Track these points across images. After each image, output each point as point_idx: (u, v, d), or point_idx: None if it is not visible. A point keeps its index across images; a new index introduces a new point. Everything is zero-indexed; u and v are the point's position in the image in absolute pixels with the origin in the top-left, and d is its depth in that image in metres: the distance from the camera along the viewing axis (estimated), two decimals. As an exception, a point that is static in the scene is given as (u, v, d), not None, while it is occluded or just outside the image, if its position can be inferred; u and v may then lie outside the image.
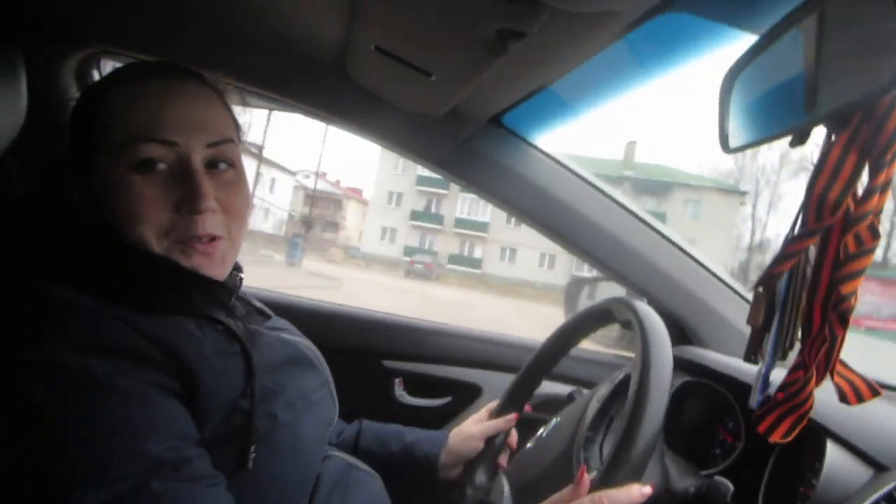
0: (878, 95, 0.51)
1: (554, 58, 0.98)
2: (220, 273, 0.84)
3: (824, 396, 1.00)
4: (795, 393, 0.68)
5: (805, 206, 0.62)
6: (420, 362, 1.60)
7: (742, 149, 0.69)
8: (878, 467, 0.88)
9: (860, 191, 0.60)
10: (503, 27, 0.83)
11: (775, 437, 0.70)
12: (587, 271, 1.64)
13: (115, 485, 0.61)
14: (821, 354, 0.66)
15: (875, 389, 0.70)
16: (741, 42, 0.78)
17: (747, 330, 1.40)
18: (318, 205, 40.00)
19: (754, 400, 0.75)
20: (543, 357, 1.13)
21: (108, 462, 0.63)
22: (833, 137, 0.61)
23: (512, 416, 1.14)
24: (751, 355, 0.72)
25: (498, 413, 1.15)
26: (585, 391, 1.22)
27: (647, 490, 0.75)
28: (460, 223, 33.50)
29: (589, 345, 1.61)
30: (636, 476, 0.75)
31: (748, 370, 1.17)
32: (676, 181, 30.91)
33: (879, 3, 0.51)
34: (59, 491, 0.61)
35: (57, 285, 0.73)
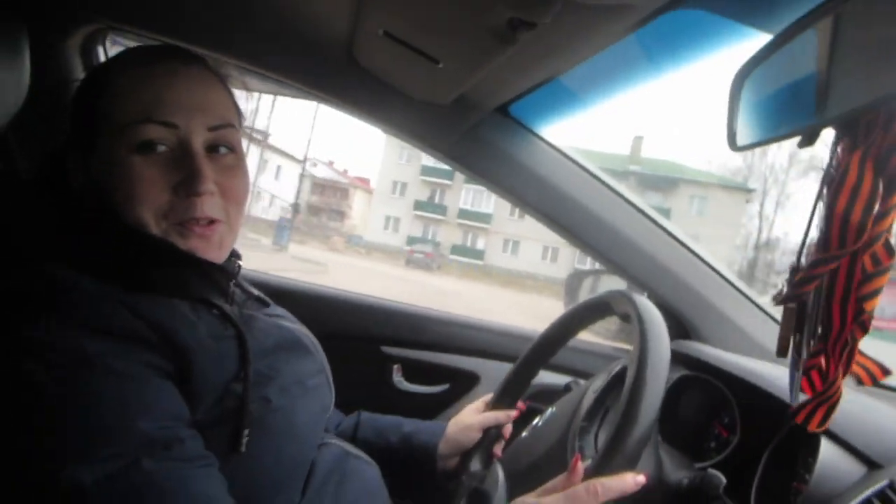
0: (889, 100, 0.51)
1: (564, 49, 0.97)
2: (217, 257, 0.84)
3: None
4: (826, 389, 0.69)
5: (827, 227, 0.62)
6: (419, 349, 1.61)
7: (749, 147, 0.69)
8: (871, 465, 0.89)
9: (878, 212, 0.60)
10: (514, 16, 0.82)
11: (812, 427, 0.72)
12: (590, 265, 1.64)
13: (107, 462, 0.62)
14: (844, 355, 0.67)
15: (887, 370, 0.71)
16: (754, 40, 0.78)
17: (746, 326, 1.42)
18: (324, 193, 40.02)
19: (795, 399, 0.77)
20: (541, 348, 1.14)
21: (100, 440, 0.63)
22: (842, 144, 0.61)
23: (513, 412, 1.14)
24: (783, 352, 0.74)
25: (495, 402, 1.16)
26: (582, 382, 1.23)
27: (641, 479, 0.76)
28: (464, 214, 33.48)
29: (589, 336, 1.62)
30: (630, 465, 0.76)
31: (745, 366, 1.18)
32: (682, 177, 30.80)
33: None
34: (51, 468, 0.61)
35: (54, 265, 0.74)
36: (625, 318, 0.93)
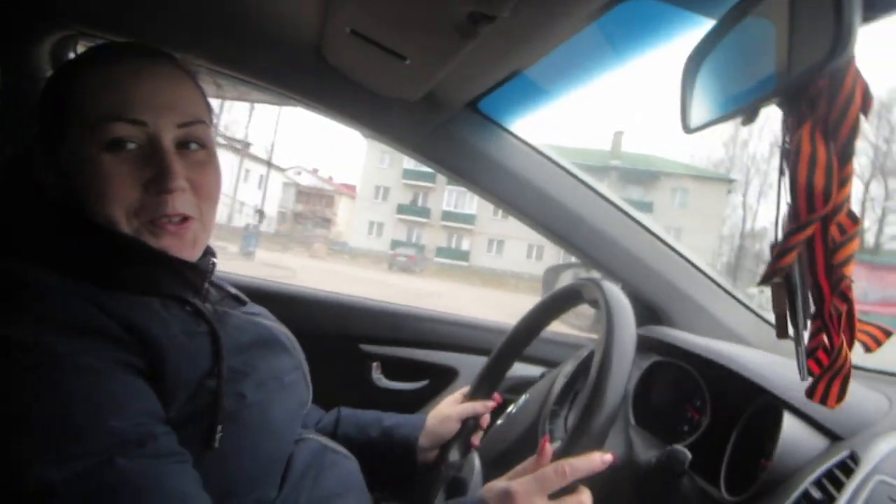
0: (816, 70, 0.53)
1: (526, 42, 0.99)
2: (191, 255, 0.84)
3: (780, 369, 1.04)
4: (832, 363, 0.70)
5: (794, 198, 0.63)
6: (397, 346, 1.62)
7: (701, 128, 0.71)
8: (833, 437, 0.92)
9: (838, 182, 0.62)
10: (474, 10, 0.84)
11: (832, 403, 0.72)
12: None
13: (77, 461, 0.62)
14: (843, 323, 0.68)
15: (888, 331, 0.72)
16: (705, 27, 0.80)
17: (717, 311, 1.45)
18: (310, 201, 39.81)
19: (804, 373, 0.78)
20: (515, 339, 1.15)
21: (70, 439, 0.63)
22: (790, 120, 0.63)
23: (490, 402, 1.16)
24: (783, 332, 0.75)
25: (472, 394, 1.18)
26: None
27: (608, 457, 0.78)
28: (447, 216, 33.46)
29: (567, 329, 1.64)
30: (598, 445, 0.77)
31: (714, 349, 1.20)
32: (663, 170, 31.04)
33: None
34: (20, 467, 0.61)
35: (23, 263, 0.73)
36: (594, 304, 0.95)
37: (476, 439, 1.16)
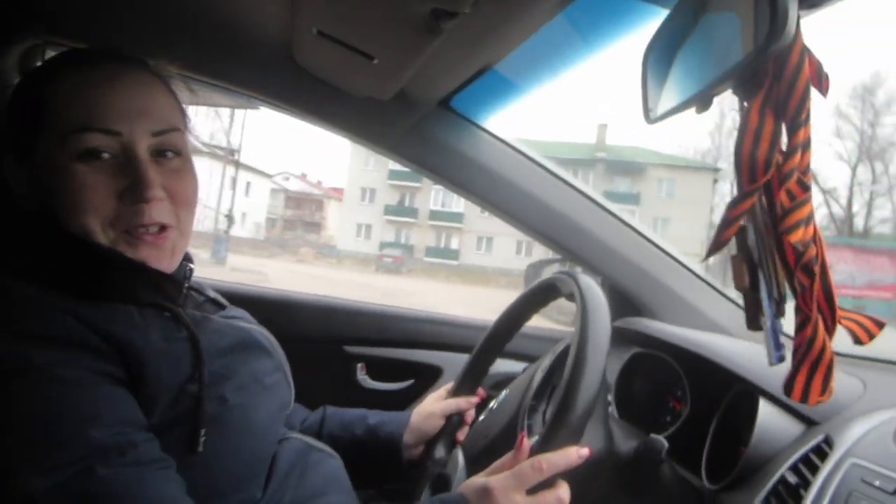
0: (758, 55, 0.54)
1: (493, 36, 0.99)
2: (169, 265, 0.84)
3: (756, 357, 1.04)
4: (807, 349, 0.68)
5: (738, 169, 0.64)
6: (381, 346, 1.61)
7: (662, 118, 0.72)
8: (809, 422, 0.93)
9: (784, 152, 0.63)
10: (436, 7, 0.84)
11: (813, 400, 0.70)
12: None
13: (57, 471, 0.62)
14: (816, 303, 0.67)
15: (880, 322, 0.71)
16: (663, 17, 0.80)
17: (695, 301, 1.46)
18: (299, 206, 39.69)
19: (771, 358, 0.76)
20: (496, 334, 1.15)
21: (49, 449, 0.63)
22: (745, 103, 0.63)
23: (474, 398, 1.16)
24: (754, 321, 0.74)
25: (455, 390, 1.17)
26: None
27: (585, 452, 0.78)
28: (435, 215, 33.43)
29: (550, 324, 1.65)
30: (574, 439, 0.78)
31: (692, 339, 1.21)
32: (649, 161, 31.16)
33: None
34: (0, 478, 0.61)
35: None
36: (570, 297, 0.95)
37: (461, 435, 1.16)
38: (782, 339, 0.72)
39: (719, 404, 1.05)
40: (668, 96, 0.70)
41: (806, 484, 0.79)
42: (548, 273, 1.74)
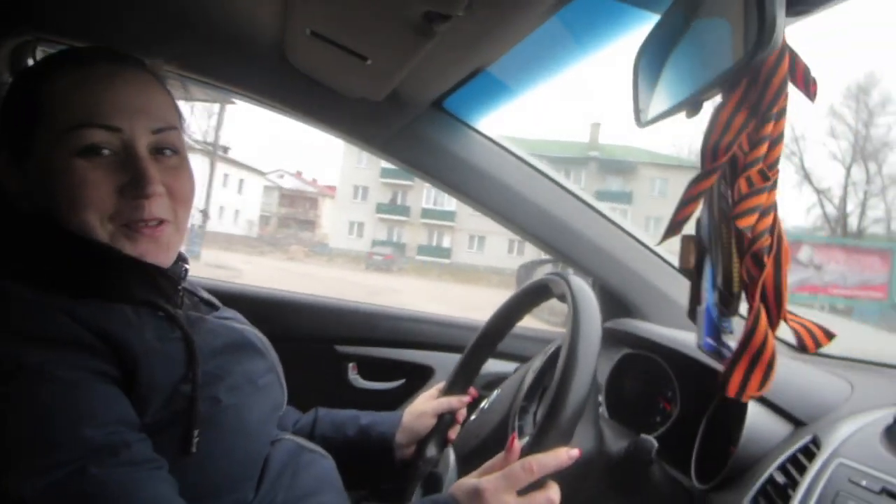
0: (746, 62, 0.54)
1: (485, 39, 1.00)
2: (165, 260, 0.84)
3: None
4: (747, 341, 0.69)
5: (702, 154, 0.65)
6: (373, 346, 1.61)
7: (653, 122, 0.72)
8: (797, 423, 0.94)
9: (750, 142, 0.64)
10: (429, 9, 0.84)
11: (748, 395, 0.70)
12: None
13: (50, 471, 0.62)
14: (765, 298, 0.68)
15: (830, 334, 0.72)
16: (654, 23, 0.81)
17: (686, 303, 1.46)
18: (294, 204, 39.56)
19: (701, 342, 0.76)
20: (488, 334, 1.16)
21: (42, 449, 0.63)
22: (722, 98, 0.64)
23: (466, 397, 1.16)
24: (694, 301, 0.74)
25: (447, 390, 1.18)
26: None
27: (575, 453, 0.78)
28: (427, 213, 33.37)
29: (542, 325, 1.65)
30: (564, 440, 0.78)
31: (684, 340, 1.22)
32: (641, 160, 31.22)
33: None
34: None
35: None
36: (562, 299, 0.96)
37: (452, 434, 1.16)
38: (725, 338, 0.73)
39: (708, 404, 1.06)
40: (659, 100, 0.71)
41: (794, 484, 0.79)
42: (539, 274, 1.75)
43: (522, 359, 1.55)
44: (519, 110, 1.38)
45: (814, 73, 0.60)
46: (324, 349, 1.59)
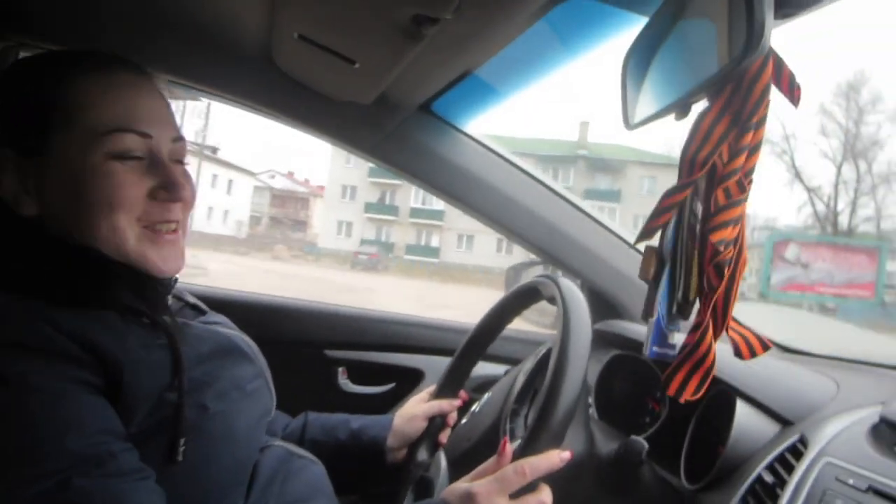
0: (734, 66, 0.55)
1: (474, 42, 1.00)
2: (178, 266, 0.85)
3: (732, 358, 1.06)
4: (694, 349, 0.71)
5: (680, 165, 0.66)
6: (362, 350, 1.61)
7: (641, 125, 0.73)
8: (784, 422, 0.95)
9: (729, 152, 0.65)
10: (418, 13, 0.84)
11: (685, 396, 0.73)
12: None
13: (34, 483, 0.61)
14: (714, 308, 0.70)
15: (766, 344, 0.74)
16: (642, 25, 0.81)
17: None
18: (285, 205, 39.43)
19: (647, 350, 0.78)
20: (477, 337, 1.16)
21: (27, 461, 0.63)
22: (707, 104, 0.65)
23: (456, 401, 1.16)
24: (648, 311, 0.76)
25: (438, 393, 1.18)
26: None
27: (566, 455, 0.79)
28: (415, 213, 33.36)
29: (532, 327, 1.66)
30: (556, 443, 0.78)
31: (671, 340, 1.22)
32: (629, 159, 31.36)
33: None
34: None
35: None
36: (552, 300, 0.96)
37: (443, 437, 1.16)
38: (674, 340, 0.75)
39: (697, 405, 1.07)
40: (648, 103, 0.71)
41: (782, 483, 0.80)
42: (528, 276, 1.75)
43: (513, 361, 1.55)
44: (508, 110, 1.38)
45: (798, 80, 0.61)
46: (313, 354, 1.59)
